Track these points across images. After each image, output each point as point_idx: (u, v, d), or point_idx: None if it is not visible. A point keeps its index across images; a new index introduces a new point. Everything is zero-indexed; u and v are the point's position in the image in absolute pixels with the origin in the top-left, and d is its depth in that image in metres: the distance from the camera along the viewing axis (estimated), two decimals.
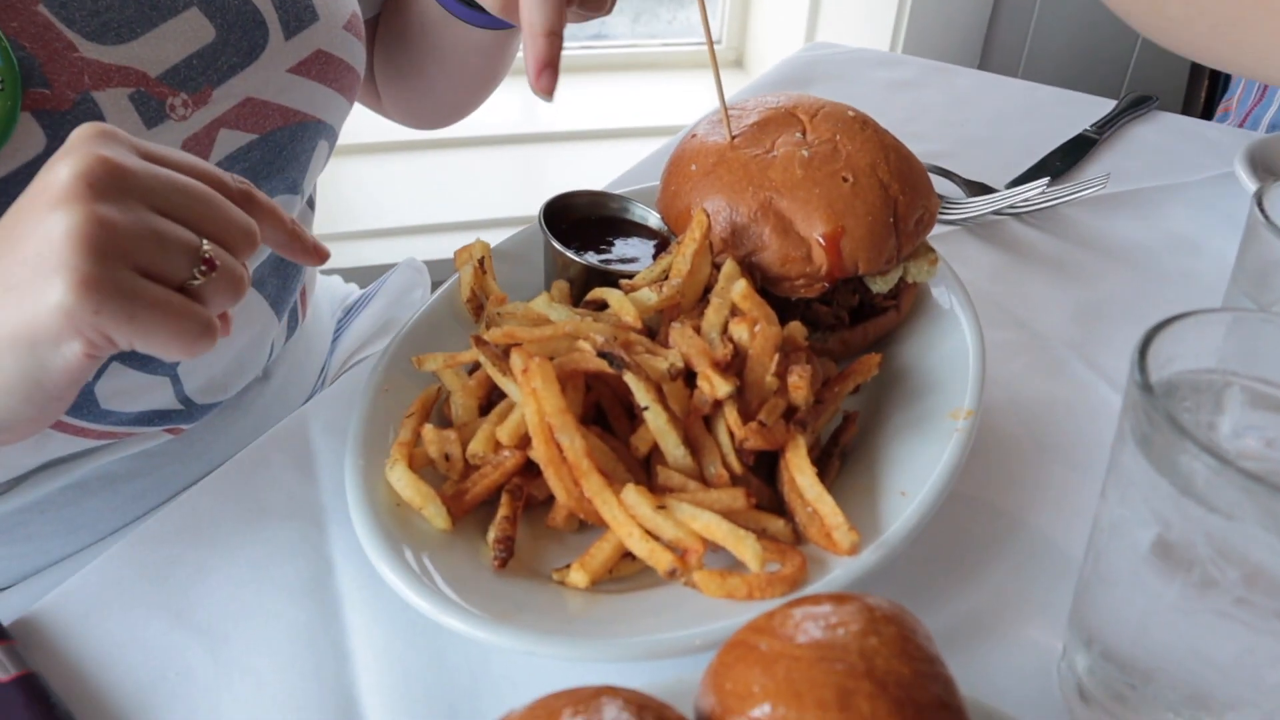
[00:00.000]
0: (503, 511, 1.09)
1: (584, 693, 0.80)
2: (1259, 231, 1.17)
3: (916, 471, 1.16)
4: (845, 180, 1.28)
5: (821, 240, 1.25)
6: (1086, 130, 2.25)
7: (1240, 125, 2.58)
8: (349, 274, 2.41)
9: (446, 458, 1.15)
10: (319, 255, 1.03)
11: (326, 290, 2.20)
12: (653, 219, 1.44)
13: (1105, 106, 2.37)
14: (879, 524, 1.10)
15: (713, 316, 1.18)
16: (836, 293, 1.35)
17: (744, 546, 1.02)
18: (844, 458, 1.24)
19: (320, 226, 3.66)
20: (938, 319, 1.42)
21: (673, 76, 4.59)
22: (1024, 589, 1.18)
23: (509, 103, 4.27)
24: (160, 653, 1.08)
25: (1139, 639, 0.92)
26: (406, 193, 3.84)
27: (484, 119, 4.48)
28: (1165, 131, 2.31)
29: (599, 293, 1.23)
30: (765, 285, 1.28)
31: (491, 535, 1.10)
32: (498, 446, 1.13)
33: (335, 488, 1.27)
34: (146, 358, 1.41)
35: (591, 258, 1.36)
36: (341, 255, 3.53)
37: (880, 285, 1.35)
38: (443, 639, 1.09)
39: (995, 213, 1.91)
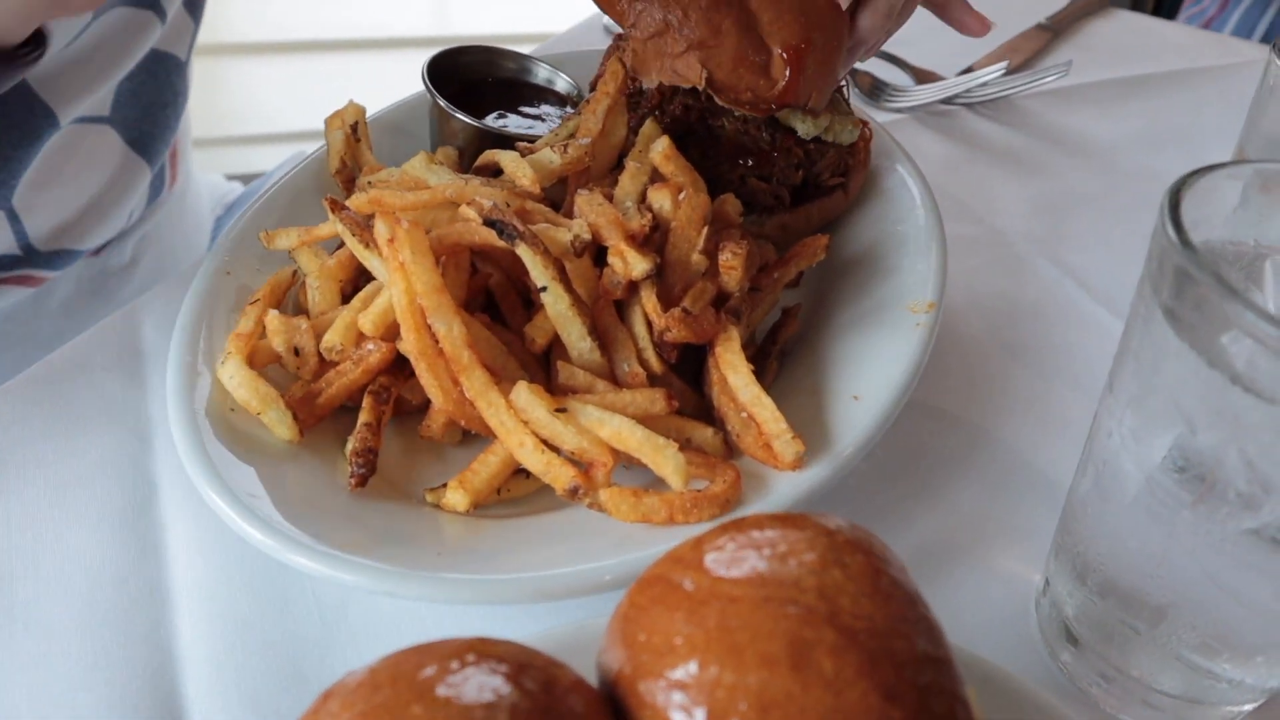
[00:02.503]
0: (364, 418, 0.87)
1: (446, 649, 0.59)
2: (1277, 90, 0.99)
3: (870, 372, 0.97)
4: None
5: (785, 54, 1.03)
6: (1042, 22, 2.06)
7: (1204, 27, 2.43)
8: (235, 180, 2.17)
9: (296, 352, 0.92)
10: None
11: (206, 186, 1.98)
12: (560, 82, 1.22)
13: (1060, 1, 2.19)
14: (828, 432, 0.91)
15: (628, 183, 0.97)
16: (776, 168, 1.14)
17: (664, 458, 0.81)
18: (783, 358, 1.05)
19: (205, 129, 3.35)
20: (889, 202, 1.22)
21: None
22: (994, 511, 1.01)
23: (417, 3, 3.97)
24: None
25: (1152, 570, 0.74)
26: (302, 96, 3.53)
27: (390, 20, 4.16)
28: (1124, 29, 2.14)
29: (490, 155, 1.01)
30: (708, 88, 1.04)
31: (349, 447, 0.88)
32: (360, 339, 0.91)
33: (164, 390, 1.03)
34: None
35: (488, 122, 1.14)
36: (227, 160, 3.23)
37: (808, 127, 1.13)
38: (288, 579, 0.87)
39: (946, 101, 1.72)
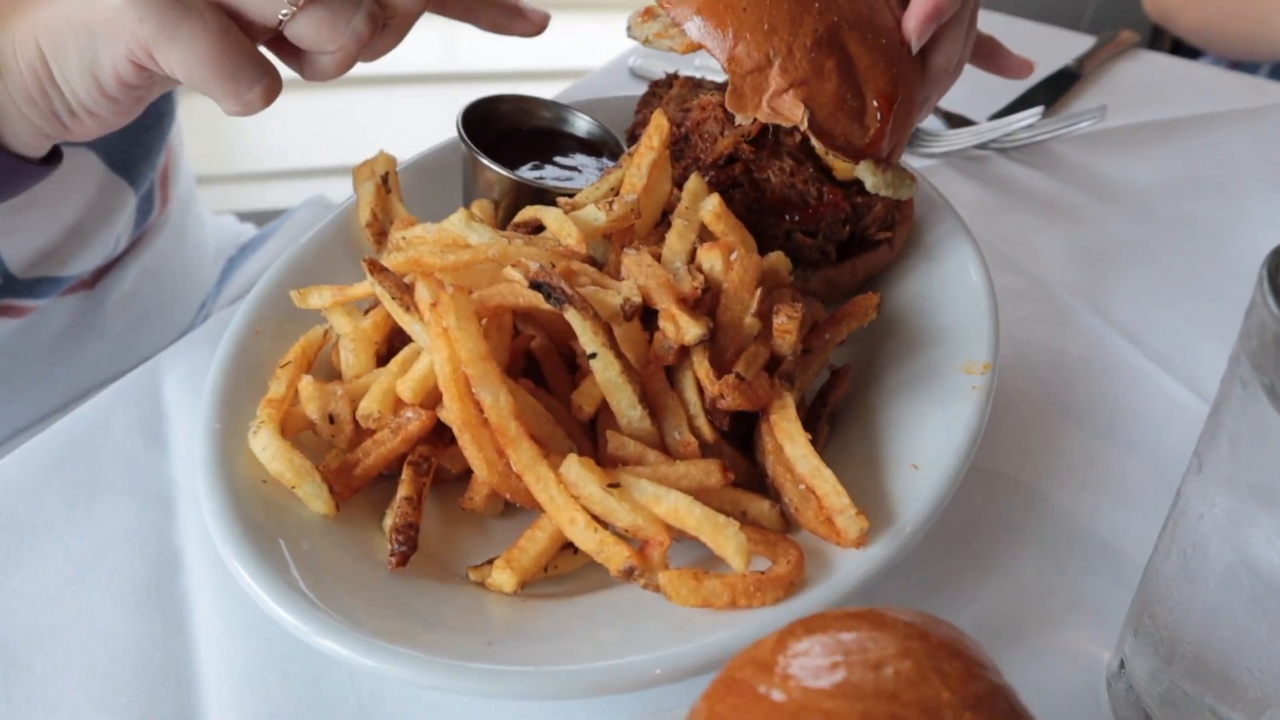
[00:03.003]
0: (403, 491, 0.83)
1: None
2: None
3: (928, 439, 0.93)
4: (903, 43, 1.03)
5: (877, 102, 1.00)
6: (1068, 65, 2.04)
7: (1232, 68, 2.40)
8: (248, 218, 2.14)
9: (331, 419, 0.88)
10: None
11: (215, 230, 1.95)
12: (596, 131, 1.18)
13: (1086, 42, 2.17)
14: (888, 505, 0.86)
15: (676, 241, 0.93)
16: (823, 222, 1.10)
17: (724, 538, 0.77)
18: (834, 421, 1.01)
19: (218, 166, 3.32)
20: (934, 256, 1.18)
21: (604, 16, 4.31)
22: (1056, 583, 0.97)
23: (428, 39, 3.95)
24: None
25: (1251, 661, 0.70)
26: (315, 132, 3.52)
27: (401, 55, 4.14)
28: (1150, 70, 2.11)
29: (532, 212, 0.97)
30: (809, 130, 1.00)
31: (389, 522, 0.84)
32: (398, 405, 0.87)
33: (192, 458, 0.99)
34: None
35: (523, 173, 1.10)
36: (239, 197, 3.20)
37: (877, 181, 1.09)
38: (322, 663, 0.82)
39: (979, 146, 1.69)
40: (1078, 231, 1.53)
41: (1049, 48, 2.14)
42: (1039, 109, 1.66)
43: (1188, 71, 2.13)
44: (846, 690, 0.54)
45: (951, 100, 1.84)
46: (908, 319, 1.11)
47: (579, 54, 3.79)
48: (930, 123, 1.77)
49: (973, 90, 1.90)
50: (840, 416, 1.02)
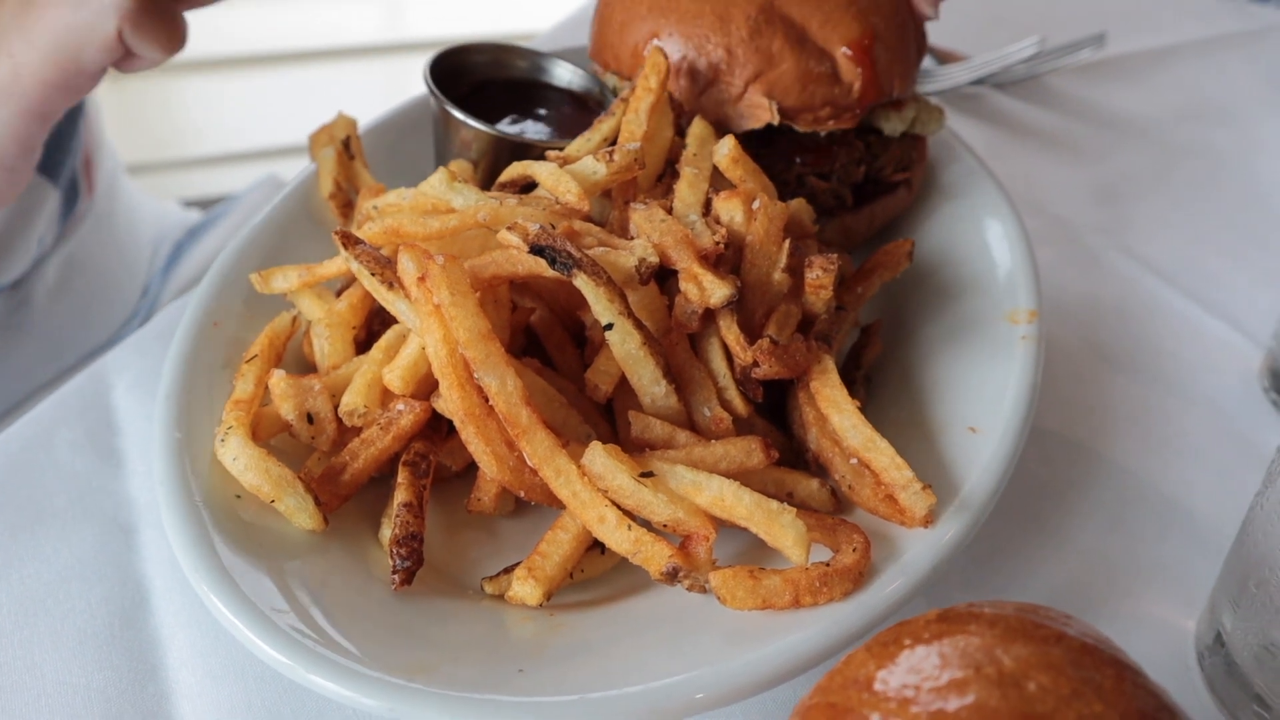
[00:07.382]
0: (401, 496, 0.72)
1: None
2: None
3: (981, 398, 0.84)
4: None
5: (849, 51, 0.91)
6: None
7: None
8: (193, 205, 2.00)
9: (310, 419, 0.76)
10: None
11: (156, 216, 1.81)
12: (578, 80, 1.06)
13: None
14: (951, 476, 0.77)
15: (688, 192, 0.82)
16: (836, 164, 1.00)
17: (780, 527, 0.67)
18: (869, 384, 0.91)
19: (161, 151, 3.16)
20: (955, 197, 1.08)
21: None
22: (1123, 548, 0.89)
23: (368, 9, 3.80)
24: None
25: None
26: (259, 112, 3.36)
27: (342, 27, 3.99)
28: None
29: (521, 168, 0.85)
30: (783, 118, 0.92)
31: (387, 533, 0.73)
32: (386, 397, 0.76)
33: (151, 475, 0.87)
34: None
35: (504, 128, 0.99)
36: (186, 184, 3.05)
37: (894, 125, 1.01)
38: (320, 707, 0.71)
39: (974, 82, 1.59)
40: (1090, 167, 1.45)
41: None
42: (1036, 39, 1.56)
43: None
44: (984, 714, 0.44)
45: (940, 35, 1.74)
46: (937, 267, 1.01)
47: (534, 16, 3.64)
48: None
49: (963, 21, 1.80)
50: (875, 379, 0.92)
